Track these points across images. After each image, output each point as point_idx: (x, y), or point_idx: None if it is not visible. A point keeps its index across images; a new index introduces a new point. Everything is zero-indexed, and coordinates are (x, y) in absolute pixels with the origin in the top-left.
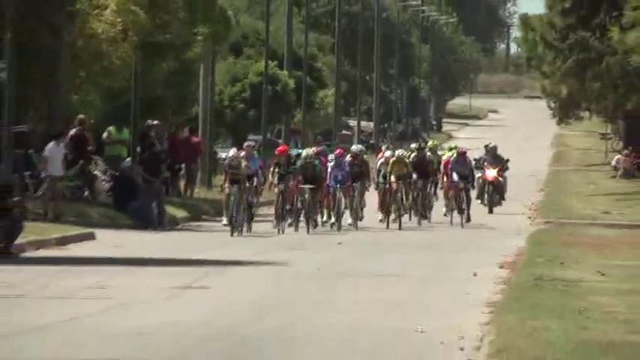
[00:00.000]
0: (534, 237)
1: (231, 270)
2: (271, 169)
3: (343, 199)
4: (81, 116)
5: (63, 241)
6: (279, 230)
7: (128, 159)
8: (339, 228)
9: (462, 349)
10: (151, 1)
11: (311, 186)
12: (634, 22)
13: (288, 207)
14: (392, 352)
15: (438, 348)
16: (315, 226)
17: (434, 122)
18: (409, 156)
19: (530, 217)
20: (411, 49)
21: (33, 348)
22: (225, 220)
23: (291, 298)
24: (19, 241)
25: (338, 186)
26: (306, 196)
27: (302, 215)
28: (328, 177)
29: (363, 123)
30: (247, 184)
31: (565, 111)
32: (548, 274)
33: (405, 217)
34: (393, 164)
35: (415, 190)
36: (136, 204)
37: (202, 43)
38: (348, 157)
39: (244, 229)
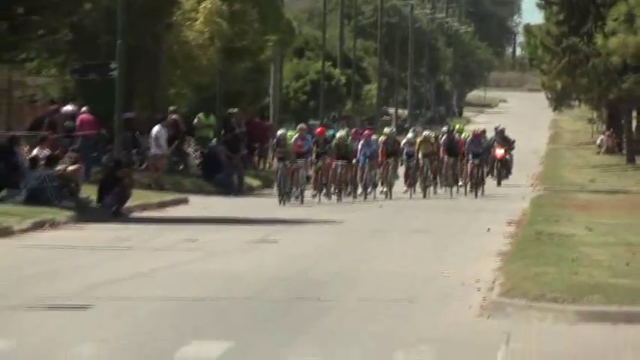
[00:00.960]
0: (535, 201)
1: (295, 227)
2: (312, 147)
3: (370, 172)
4: (172, 108)
5: (162, 205)
6: (318, 199)
7: (214, 140)
8: (365, 197)
9: (478, 290)
10: (232, 14)
11: (343, 162)
12: (614, 31)
13: (324, 181)
14: (424, 291)
15: (460, 288)
16: (355, 196)
17: (456, 109)
18: (440, 137)
19: (532, 186)
20: (438, 52)
21: (143, 289)
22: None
23: (344, 249)
24: (127, 204)
25: (366, 160)
26: (339, 170)
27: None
28: (358, 153)
29: (400, 110)
30: (302, 160)
31: (559, 101)
32: (547, 229)
33: (429, 189)
34: (421, 143)
35: (446, 166)
36: (221, 175)
37: (272, 48)
38: (382, 137)
39: (294, 198)
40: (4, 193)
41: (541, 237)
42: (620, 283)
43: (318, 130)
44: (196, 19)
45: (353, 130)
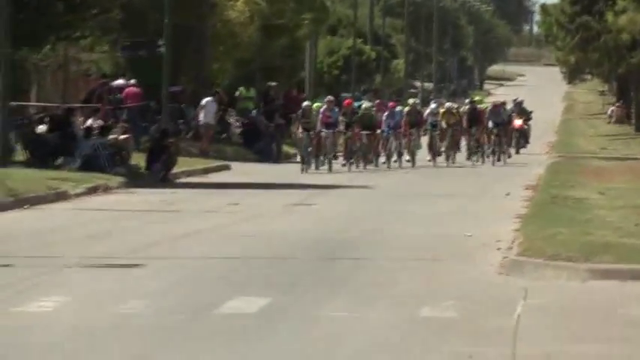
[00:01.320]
0: (551, 167)
1: (329, 192)
2: (340, 117)
3: (395, 142)
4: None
5: (206, 171)
6: (348, 168)
7: (254, 111)
8: (389, 166)
9: (498, 249)
10: None
11: (368, 132)
12: (624, 9)
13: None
14: (448, 250)
15: (481, 248)
16: (377, 165)
17: (477, 83)
18: (463, 108)
19: (547, 153)
20: (460, 30)
21: (190, 248)
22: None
23: (375, 211)
24: (174, 170)
25: (391, 131)
26: (364, 140)
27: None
28: (382, 124)
29: (425, 84)
30: (330, 131)
31: (573, 75)
32: (561, 193)
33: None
34: (444, 114)
35: (469, 135)
36: (260, 144)
37: (307, 26)
38: (405, 108)
39: (322, 165)
40: (60, 160)
41: (556, 200)
42: (628, 243)
43: (346, 101)
44: (237, 0)
45: (377, 102)
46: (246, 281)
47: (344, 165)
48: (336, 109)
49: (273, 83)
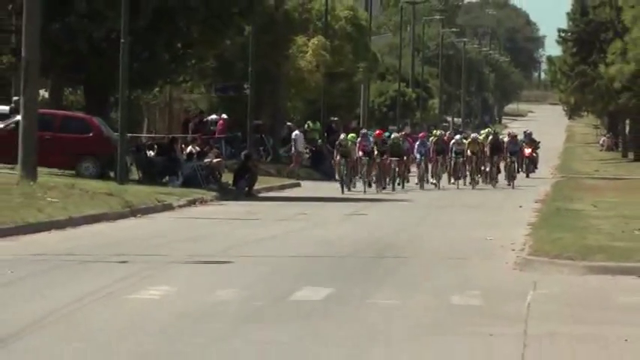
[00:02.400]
0: (555, 185)
1: (376, 204)
2: (371, 146)
3: (424, 166)
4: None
5: (282, 187)
6: (378, 190)
7: (319, 140)
8: (422, 187)
9: (513, 250)
10: (333, 48)
11: (397, 159)
12: (613, 61)
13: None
14: (473, 250)
15: (499, 249)
16: (403, 187)
17: (497, 118)
18: (487, 138)
19: (552, 174)
20: (483, 76)
21: (270, 248)
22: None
23: (414, 219)
24: (255, 187)
25: (422, 158)
26: (393, 166)
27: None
28: (415, 151)
29: (455, 119)
30: (367, 158)
31: (573, 112)
32: (563, 206)
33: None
34: (469, 144)
35: (491, 162)
36: (324, 166)
37: (362, 73)
38: (432, 138)
39: (364, 188)
40: (166, 179)
41: (559, 212)
42: (617, 245)
43: (377, 132)
44: (307, 52)
45: (403, 133)
46: (313, 275)
47: (378, 188)
48: (371, 139)
49: (335, 118)
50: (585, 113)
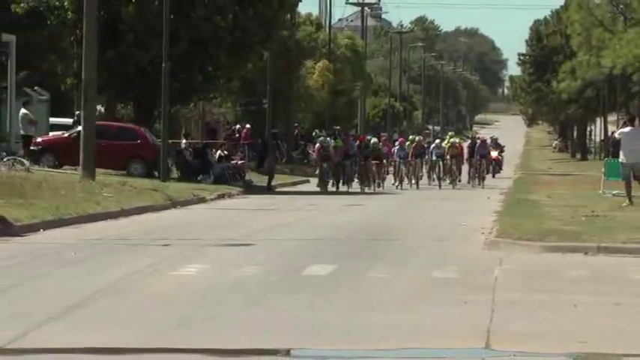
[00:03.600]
0: (516, 180)
1: (371, 198)
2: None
3: (404, 169)
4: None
5: (294, 183)
6: (362, 189)
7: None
8: (401, 187)
9: (482, 233)
10: (335, 70)
11: (377, 162)
12: (563, 79)
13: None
14: (451, 233)
15: (472, 232)
16: (383, 187)
17: (469, 126)
18: (462, 142)
19: (514, 172)
20: (458, 92)
21: (284, 233)
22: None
23: (402, 209)
24: (273, 183)
25: (401, 160)
26: (374, 168)
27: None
28: (395, 155)
29: (435, 127)
30: (349, 161)
31: (530, 121)
32: (523, 197)
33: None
34: (449, 148)
35: (472, 164)
36: (326, 167)
37: (359, 90)
38: (407, 143)
39: (348, 187)
40: (200, 177)
41: (520, 202)
42: (567, 229)
43: (360, 137)
44: (314, 73)
45: (383, 139)
46: (320, 254)
47: (360, 187)
48: (353, 143)
49: (337, 127)
50: (541, 122)
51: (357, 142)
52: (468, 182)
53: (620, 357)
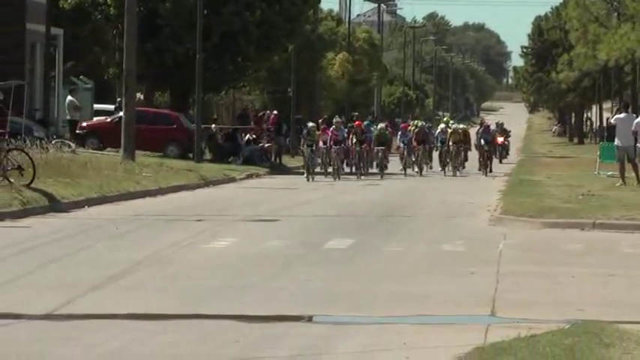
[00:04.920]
0: (519, 162)
1: (384, 180)
2: (350, 136)
3: (406, 154)
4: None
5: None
6: (358, 175)
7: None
8: (405, 173)
9: (488, 210)
10: (354, 61)
11: (382, 147)
12: (562, 69)
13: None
14: (459, 209)
15: (478, 209)
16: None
17: (476, 113)
18: (457, 127)
19: (517, 154)
20: (465, 81)
21: (307, 209)
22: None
23: (413, 188)
24: (293, 165)
25: (405, 146)
26: (379, 154)
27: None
28: (398, 140)
29: (445, 113)
30: (338, 147)
31: (532, 108)
32: (525, 177)
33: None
34: (451, 134)
35: (483, 151)
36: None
37: (376, 79)
38: (414, 129)
39: (336, 176)
40: (231, 159)
41: (522, 182)
42: (565, 207)
43: (356, 122)
44: (334, 64)
45: (387, 123)
46: (339, 229)
47: (356, 174)
48: (343, 129)
49: (356, 113)
50: (541, 109)
51: (353, 126)
52: (479, 170)
53: (614, 323)
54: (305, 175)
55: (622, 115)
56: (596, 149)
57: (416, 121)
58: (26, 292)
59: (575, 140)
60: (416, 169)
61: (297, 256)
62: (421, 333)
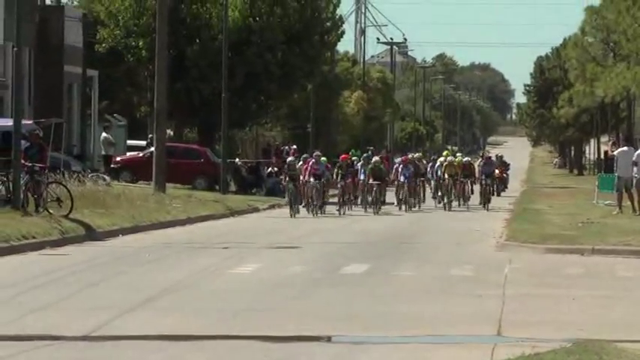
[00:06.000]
0: (523, 193)
1: (387, 214)
2: (335, 170)
3: (407, 189)
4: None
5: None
6: (339, 212)
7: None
8: (407, 209)
9: (494, 237)
10: (368, 99)
11: (378, 182)
12: (562, 105)
13: (346, 197)
14: (466, 238)
15: (484, 236)
16: (380, 209)
17: (482, 146)
18: (479, 162)
19: (521, 185)
20: (472, 117)
21: (325, 236)
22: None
23: (420, 220)
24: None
25: (406, 180)
26: (374, 189)
27: (370, 202)
28: (399, 174)
29: (454, 146)
30: (316, 181)
31: (535, 142)
32: (529, 207)
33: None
34: (446, 167)
35: (485, 184)
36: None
37: (389, 116)
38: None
39: (318, 211)
40: (254, 190)
41: (526, 210)
42: (566, 233)
43: (342, 156)
44: (350, 102)
45: (383, 156)
46: (355, 255)
47: (338, 210)
48: (322, 162)
49: (371, 147)
50: (543, 142)
51: (340, 161)
52: (480, 204)
53: (612, 342)
54: (289, 211)
55: (625, 149)
56: (594, 180)
57: (411, 155)
58: (66, 315)
59: (575, 172)
60: (439, 203)
61: (317, 280)
62: (432, 351)
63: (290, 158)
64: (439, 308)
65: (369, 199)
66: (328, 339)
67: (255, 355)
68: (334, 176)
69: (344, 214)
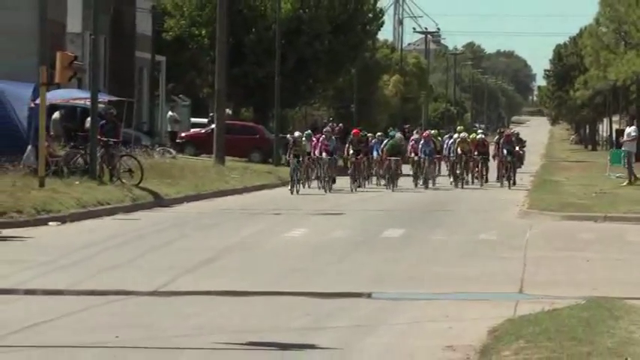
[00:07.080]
0: (542, 166)
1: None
2: (347, 145)
3: (429, 166)
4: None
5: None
6: (352, 189)
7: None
8: (427, 186)
9: (517, 205)
10: (405, 82)
11: (397, 158)
12: (578, 88)
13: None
14: (492, 206)
15: (509, 205)
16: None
17: (506, 125)
18: (479, 136)
19: (540, 159)
20: (498, 98)
21: (365, 205)
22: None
23: (452, 191)
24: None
25: (427, 157)
26: (393, 165)
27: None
28: (419, 151)
29: (481, 124)
30: (328, 157)
31: (553, 121)
32: (547, 178)
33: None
34: (458, 143)
35: (505, 162)
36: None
37: (423, 98)
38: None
39: (327, 187)
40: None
41: (545, 182)
42: (580, 202)
43: (354, 131)
44: (389, 85)
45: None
46: (392, 221)
47: (351, 187)
48: (334, 139)
49: (407, 125)
50: (561, 121)
51: (351, 136)
52: (497, 180)
53: (622, 299)
54: (289, 187)
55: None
56: (606, 155)
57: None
58: (136, 273)
59: (589, 147)
60: (451, 180)
61: (357, 244)
62: (461, 307)
63: (296, 134)
64: (467, 269)
65: (387, 176)
66: (369, 295)
67: (302, 310)
68: (345, 152)
69: (355, 190)
